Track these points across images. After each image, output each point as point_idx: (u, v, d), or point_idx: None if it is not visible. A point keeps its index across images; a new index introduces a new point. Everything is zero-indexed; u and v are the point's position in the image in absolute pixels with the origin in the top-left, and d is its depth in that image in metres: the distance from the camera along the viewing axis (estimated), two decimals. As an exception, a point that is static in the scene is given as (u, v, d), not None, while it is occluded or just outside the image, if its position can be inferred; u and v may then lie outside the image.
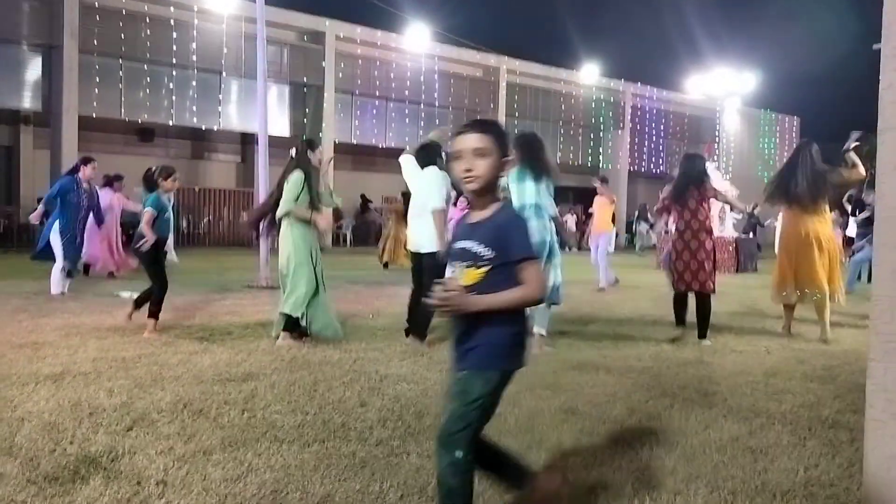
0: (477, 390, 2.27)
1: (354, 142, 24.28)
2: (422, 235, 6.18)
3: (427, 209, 6.13)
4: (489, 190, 2.31)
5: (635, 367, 5.45)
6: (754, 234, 19.53)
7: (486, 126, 2.32)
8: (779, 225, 8.22)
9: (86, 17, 18.51)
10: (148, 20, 19.55)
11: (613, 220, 12.56)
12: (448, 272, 2.68)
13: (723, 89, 30.97)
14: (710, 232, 6.60)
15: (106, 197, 10.83)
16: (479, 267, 2.26)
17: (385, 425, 3.79)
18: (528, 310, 2.42)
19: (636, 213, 27.06)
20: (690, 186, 6.57)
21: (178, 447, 3.35)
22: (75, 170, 9.36)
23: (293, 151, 6.23)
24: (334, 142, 22.91)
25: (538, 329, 5.95)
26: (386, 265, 14.44)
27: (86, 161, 9.33)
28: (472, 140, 2.27)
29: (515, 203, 6.26)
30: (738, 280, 13.62)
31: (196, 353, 5.49)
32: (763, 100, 35.00)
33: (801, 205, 6.77)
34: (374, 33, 23.76)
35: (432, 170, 6.30)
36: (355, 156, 25.22)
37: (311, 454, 3.32)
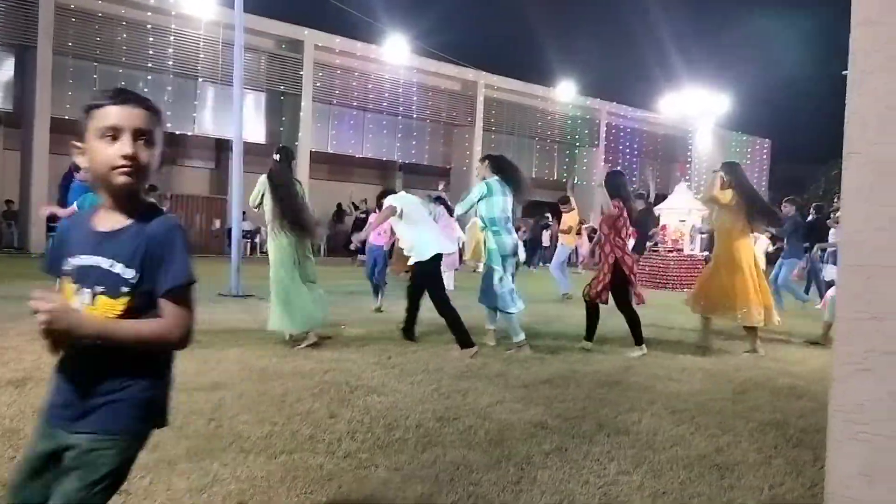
0: (107, 464, 1.68)
1: (331, 151, 24.23)
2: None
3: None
4: (140, 189, 1.73)
5: (605, 381, 5.48)
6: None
7: (150, 104, 1.72)
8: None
9: (61, 19, 18.30)
10: (124, 23, 19.38)
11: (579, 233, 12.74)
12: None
13: (696, 110, 31.40)
14: (614, 246, 6.79)
15: None
16: (117, 296, 1.67)
17: (354, 437, 3.77)
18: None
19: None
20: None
21: (141, 456, 3.25)
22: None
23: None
24: (310, 151, 22.84)
25: (508, 329, 6.63)
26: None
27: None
28: (136, 117, 1.67)
29: (486, 214, 6.45)
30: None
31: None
32: (735, 121, 35.55)
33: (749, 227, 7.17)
34: (353, 44, 23.78)
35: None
36: (332, 165, 25.16)
37: (278, 466, 3.29)
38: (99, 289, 1.68)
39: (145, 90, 20.10)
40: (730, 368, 6.32)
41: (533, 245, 24.10)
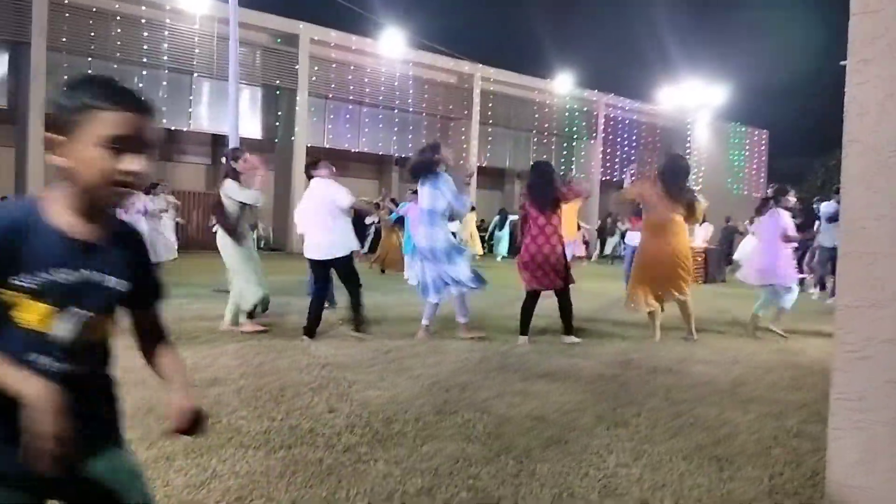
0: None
1: (327, 146, 24.17)
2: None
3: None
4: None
5: (604, 374, 5.47)
6: (730, 244, 19.74)
7: (154, 108, 1.50)
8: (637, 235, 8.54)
9: (55, 15, 18.21)
10: (118, 18, 19.29)
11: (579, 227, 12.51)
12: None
13: (694, 102, 31.38)
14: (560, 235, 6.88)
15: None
16: (110, 313, 1.57)
17: (353, 431, 3.76)
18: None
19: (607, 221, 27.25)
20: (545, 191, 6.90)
21: (140, 452, 3.29)
22: None
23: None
24: (306, 146, 22.78)
25: (463, 319, 6.86)
26: (383, 271, 14.75)
27: None
28: (144, 128, 1.46)
29: (428, 206, 6.78)
30: (707, 290, 13.77)
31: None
32: (733, 113, 35.54)
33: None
34: (348, 37, 23.70)
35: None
36: (328, 160, 25.01)
37: (277, 460, 3.28)
38: (93, 309, 1.49)
39: (140, 85, 20.02)
40: (728, 360, 6.32)
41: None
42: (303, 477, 3.08)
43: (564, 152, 30.58)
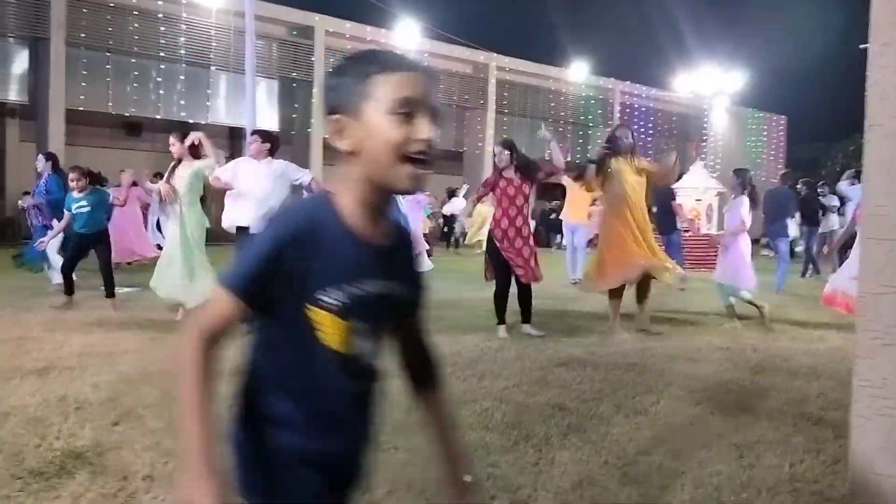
0: None
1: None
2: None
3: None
4: None
5: (621, 363, 5.47)
6: None
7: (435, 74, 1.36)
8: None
9: (73, 10, 18.34)
10: (136, 13, 19.39)
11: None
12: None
13: (711, 88, 31.08)
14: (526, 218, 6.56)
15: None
16: (394, 324, 1.45)
17: (373, 421, 3.78)
18: None
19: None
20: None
21: (165, 442, 3.34)
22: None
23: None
24: (323, 137, 22.83)
25: None
26: None
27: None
28: (432, 91, 1.31)
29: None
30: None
31: (183, 348, 5.46)
32: (750, 98, 35.18)
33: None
34: (363, 29, 23.70)
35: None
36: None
37: (299, 449, 3.31)
38: (386, 322, 1.38)
39: (158, 79, 20.19)
40: (747, 348, 6.29)
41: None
42: (324, 465, 3.11)
43: (580, 140, 30.44)
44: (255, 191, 6.41)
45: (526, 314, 6.62)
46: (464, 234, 20.45)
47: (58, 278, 7.93)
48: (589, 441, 3.58)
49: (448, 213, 20.91)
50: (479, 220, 14.40)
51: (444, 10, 29.45)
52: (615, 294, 6.77)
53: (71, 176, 7.52)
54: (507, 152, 6.62)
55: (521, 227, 6.50)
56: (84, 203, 7.42)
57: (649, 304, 7.01)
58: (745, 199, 7.32)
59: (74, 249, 7.58)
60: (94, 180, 8.05)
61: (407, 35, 24.02)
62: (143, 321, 6.62)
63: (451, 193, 21.19)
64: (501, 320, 6.54)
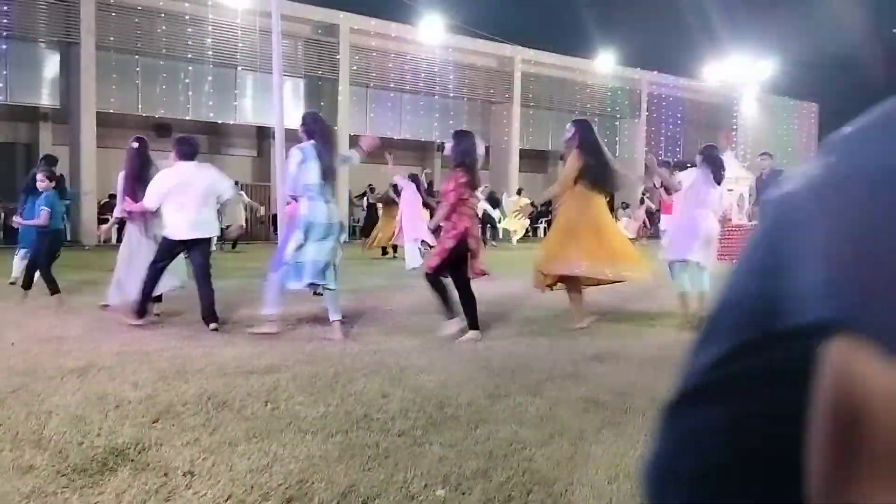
0: None
1: (369, 134, 24.28)
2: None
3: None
4: None
5: (656, 356, 5.43)
6: None
7: None
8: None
9: (102, 14, 18.62)
10: (163, 15, 19.64)
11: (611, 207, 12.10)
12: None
13: (741, 76, 30.64)
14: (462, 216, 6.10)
15: None
16: None
17: (407, 416, 3.81)
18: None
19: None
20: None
21: (203, 438, 3.39)
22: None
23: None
24: (349, 134, 22.93)
25: (335, 316, 6.08)
26: (384, 251, 15.23)
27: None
28: None
29: (303, 180, 6.02)
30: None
31: (218, 346, 5.54)
32: (781, 86, 34.63)
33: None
34: (388, 25, 23.74)
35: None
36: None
37: (335, 445, 3.35)
38: None
39: (186, 81, 20.43)
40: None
41: None
42: (360, 460, 3.14)
43: (608, 132, 30.16)
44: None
45: (469, 318, 6.14)
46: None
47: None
48: (624, 435, 3.57)
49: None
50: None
51: (468, 4, 29.33)
52: (573, 289, 6.58)
53: (39, 176, 7.62)
54: None
55: (455, 224, 6.13)
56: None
57: (582, 300, 6.65)
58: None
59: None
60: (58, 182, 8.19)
61: (431, 30, 24.01)
62: (177, 320, 6.71)
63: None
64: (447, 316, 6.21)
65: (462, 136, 6.45)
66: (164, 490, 2.81)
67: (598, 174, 6.45)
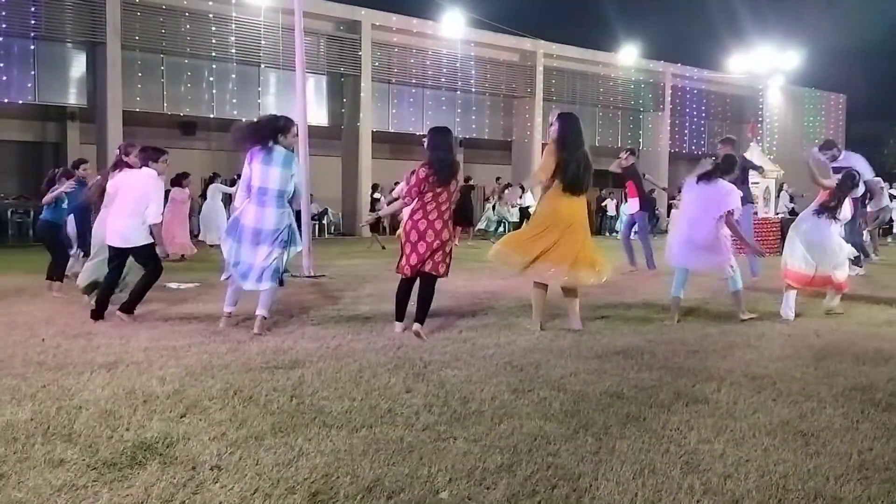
0: None
1: (392, 130, 24.31)
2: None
3: None
4: None
5: (680, 350, 5.40)
6: (791, 213, 19.15)
7: None
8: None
9: (127, 14, 18.82)
10: (187, 14, 19.80)
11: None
12: None
13: (766, 67, 30.21)
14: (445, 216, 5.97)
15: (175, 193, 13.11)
16: None
17: (431, 411, 3.82)
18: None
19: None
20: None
21: (230, 433, 3.43)
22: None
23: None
24: (372, 131, 22.99)
25: (262, 311, 6.00)
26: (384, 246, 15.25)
27: (80, 163, 9.52)
28: None
29: (260, 185, 6.02)
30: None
31: (243, 342, 5.59)
32: (807, 77, 34.07)
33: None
34: (409, 21, 23.74)
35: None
36: (393, 144, 25.26)
37: (360, 439, 3.37)
38: None
39: (210, 79, 20.61)
40: (810, 333, 6.14)
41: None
42: (385, 455, 3.16)
43: (631, 126, 29.99)
44: None
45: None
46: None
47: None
48: (649, 429, 3.55)
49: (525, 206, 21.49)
50: None
51: (490, -2, 29.18)
52: (538, 285, 6.30)
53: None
54: None
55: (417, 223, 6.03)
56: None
57: (578, 301, 6.36)
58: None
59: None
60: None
61: (453, 25, 23.97)
62: (202, 315, 6.78)
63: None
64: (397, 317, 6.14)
65: (434, 133, 6.35)
66: (192, 484, 2.84)
67: (571, 172, 6.07)
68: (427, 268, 5.93)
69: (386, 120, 24.12)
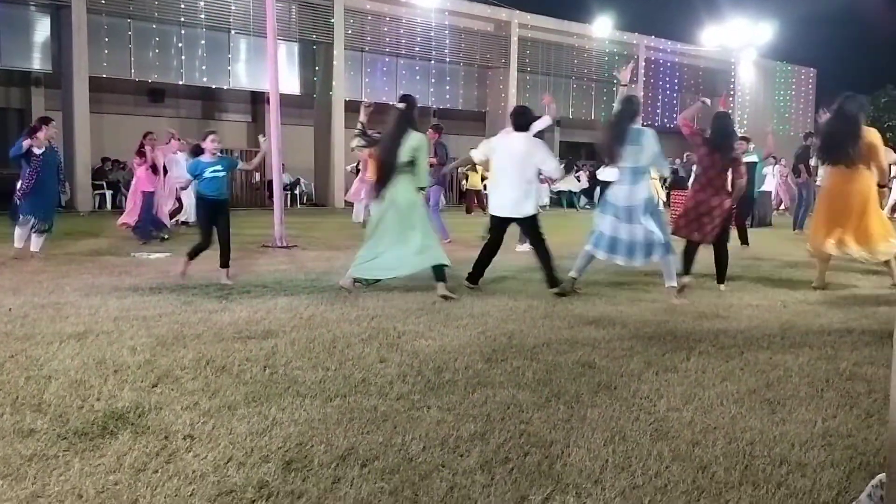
0: None
1: (365, 99, 24.05)
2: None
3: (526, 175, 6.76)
4: None
5: (651, 321, 5.47)
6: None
7: None
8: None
9: (92, -24, 18.29)
10: (155, -22, 19.29)
11: None
12: None
13: (738, 41, 30.33)
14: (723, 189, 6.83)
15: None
16: None
17: (405, 380, 3.84)
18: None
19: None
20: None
21: (203, 402, 3.42)
22: (33, 131, 8.86)
23: None
24: (345, 100, 22.72)
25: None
26: None
27: (44, 121, 9.02)
28: None
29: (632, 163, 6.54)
30: (755, 234, 13.52)
31: (216, 312, 5.55)
32: (779, 51, 34.31)
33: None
34: (384, -12, 23.40)
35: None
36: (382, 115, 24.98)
37: (334, 408, 3.38)
38: None
39: (179, 45, 20.16)
40: (777, 305, 6.25)
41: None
42: (359, 423, 3.17)
43: (605, 98, 29.98)
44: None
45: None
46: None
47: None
48: (619, 398, 3.61)
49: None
50: None
51: (465, -34, 28.82)
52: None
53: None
54: None
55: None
56: (219, 167, 7.18)
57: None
58: None
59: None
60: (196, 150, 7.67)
61: (427, -7, 23.65)
62: (174, 286, 6.71)
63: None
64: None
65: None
66: (165, 453, 2.83)
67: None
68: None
69: (359, 89, 23.82)
